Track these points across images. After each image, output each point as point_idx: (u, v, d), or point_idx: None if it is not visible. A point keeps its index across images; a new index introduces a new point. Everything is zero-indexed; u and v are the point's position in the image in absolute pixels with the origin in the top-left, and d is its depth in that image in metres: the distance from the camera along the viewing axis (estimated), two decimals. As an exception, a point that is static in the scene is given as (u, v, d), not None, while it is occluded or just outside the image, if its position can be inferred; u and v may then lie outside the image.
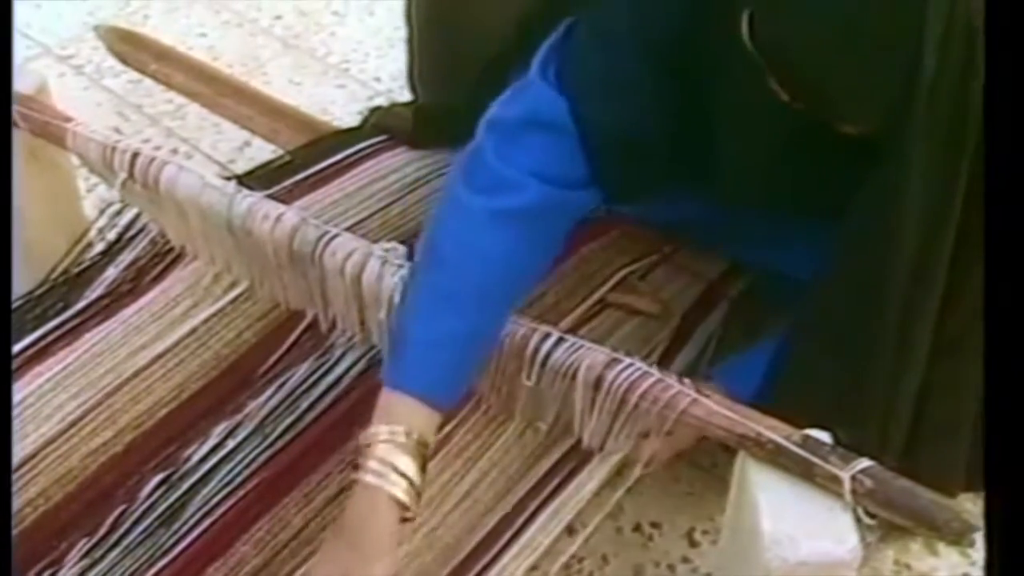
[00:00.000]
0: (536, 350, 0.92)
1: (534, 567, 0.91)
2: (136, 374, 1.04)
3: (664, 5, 0.91)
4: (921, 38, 0.75)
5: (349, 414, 1.01)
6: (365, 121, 1.38)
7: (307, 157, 1.29)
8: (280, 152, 1.36)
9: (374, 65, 1.82)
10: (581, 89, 0.93)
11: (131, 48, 1.57)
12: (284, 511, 0.94)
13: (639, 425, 0.91)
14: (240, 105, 1.47)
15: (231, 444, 0.99)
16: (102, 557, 0.90)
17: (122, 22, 1.80)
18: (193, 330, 1.08)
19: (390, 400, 0.87)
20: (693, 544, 1.08)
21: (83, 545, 0.91)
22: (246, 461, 0.97)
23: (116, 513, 0.93)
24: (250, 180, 1.19)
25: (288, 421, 1.01)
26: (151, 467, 0.97)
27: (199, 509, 0.94)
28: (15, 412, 0.99)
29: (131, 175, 1.09)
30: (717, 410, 0.85)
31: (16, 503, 0.92)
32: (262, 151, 1.50)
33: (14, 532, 0.90)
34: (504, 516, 0.93)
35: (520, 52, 1.01)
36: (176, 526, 0.92)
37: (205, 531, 0.92)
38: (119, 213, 1.17)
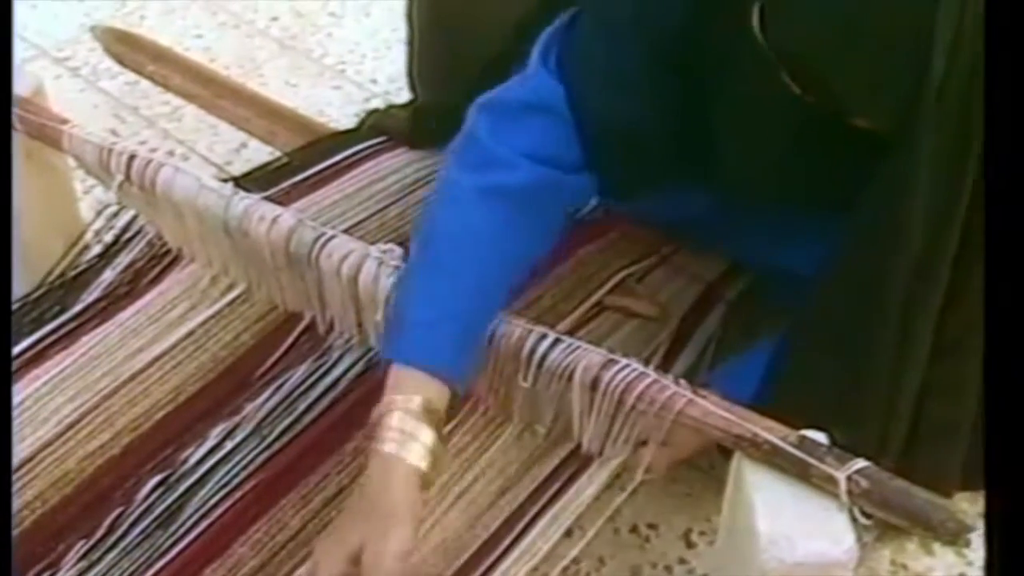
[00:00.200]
0: (533, 351, 0.92)
1: (533, 569, 0.92)
2: (133, 377, 1.04)
3: None
4: (932, 35, 0.75)
5: (347, 416, 1.01)
6: (362, 123, 1.38)
7: (304, 159, 1.29)
8: (277, 154, 1.36)
9: (371, 67, 1.82)
10: (581, 77, 0.93)
11: (128, 49, 1.57)
12: (282, 512, 0.94)
13: (637, 427, 0.91)
14: (237, 106, 1.47)
15: (229, 446, 0.99)
16: (99, 559, 0.90)
17: (118, 23, 1.79)
18: (190, 332, 1.08)
19: (399, 375, 0.87)
20: (690, 545, 1.08)
21: (80, 547, 0.91)
22: (244, 463, 0.97)
23: (113, 515, 0.93)
24: (247, 182, 1.19)
25: (286, 423, 1.01)
26: (148, 469, 0.97)
27: (196, 511, 0.94)
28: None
29: (128, 177, 1.09)
30: (713, 411, 0.85)
31: (13, 506, 0.92)
32: (259, 153, 1.50)
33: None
34: (504, 520, 0.93)
35: (520, 53, 1.01)
36: (173, 528, 0.92)
37: (202, 533, 0.92)
38: (116, 215, 1.17)
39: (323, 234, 1.02)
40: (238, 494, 0.95)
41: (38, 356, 1.06)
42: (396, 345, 0.90)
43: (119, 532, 0.92)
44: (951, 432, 0.92)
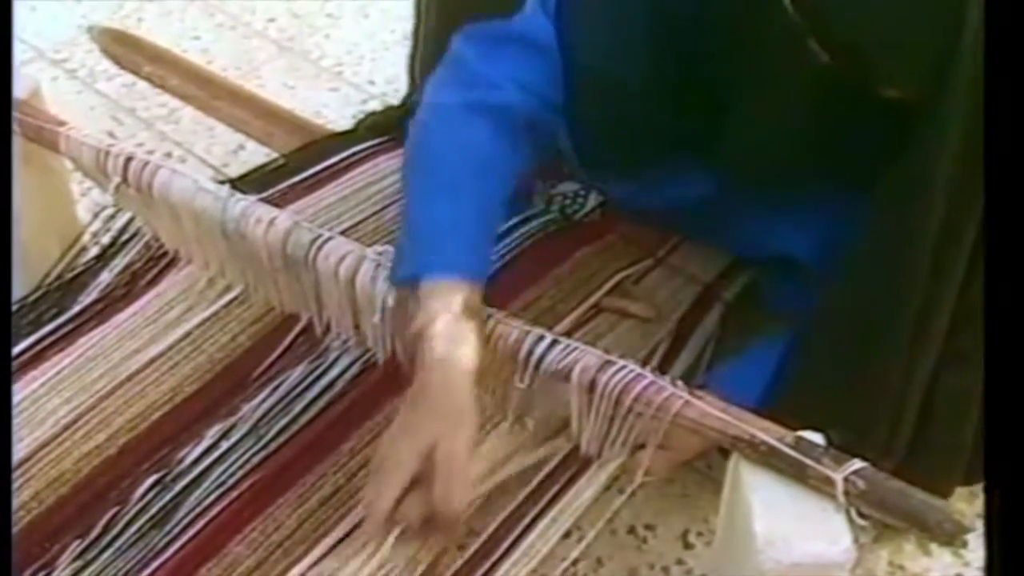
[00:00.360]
0: (530, 353, 0.92)
1: (532, 571, 0.92)
2: (130, 378, 1.04)
3: None
4: None
5: (344, 416, 1.01)
6: (358, 125, 1.38)
7: (301, 161, 1.29)
8: (274, 155, 1.36)
9: (368, 68, 1.83)
10: (576, 24, 0.94)
11: (125, 50, 1.57)
12: (278, 512, 0.94)
13: (635, 429, 0.91)
14: (234, 108, 1.47)
15: (225, 446, 0.98)
16: (94, 558, 0.90)
17: (116, 25, 1.79)
18: (187, 334, 1.08)
19: (427, 290, 0.88)
20: (687, 546, 1.08)
21: (75, 547, 0.91)
22: (240, 463, 0.97)
23: (109, 515, 0.93)
24: (243, 184, 1.19)
25: (282, 423, 1.00)
26: (144, 469, 0.97)
27: (192, 510, 0.93)
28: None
29: (125, 179, 1.09)
30: (710, 412, 0.85)
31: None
32: (256, 155, 1.50)
33: (7, 535, 0.90)
34: (503, 522, 0.93)
35: None
36: (169, 527, 0.92)
37: (198, 532, 0.92)
38: (113, 217, 1.17)
39: (320, 236, 1.02)
40: (234, 494, 0.95)
41: (35, 358, 1.06)
42: (417, 264, 0.90)
43: (114, 532, 0.92)
44: (960, 420, 0.92)
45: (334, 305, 1.04)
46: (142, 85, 1.62)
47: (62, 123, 1.14)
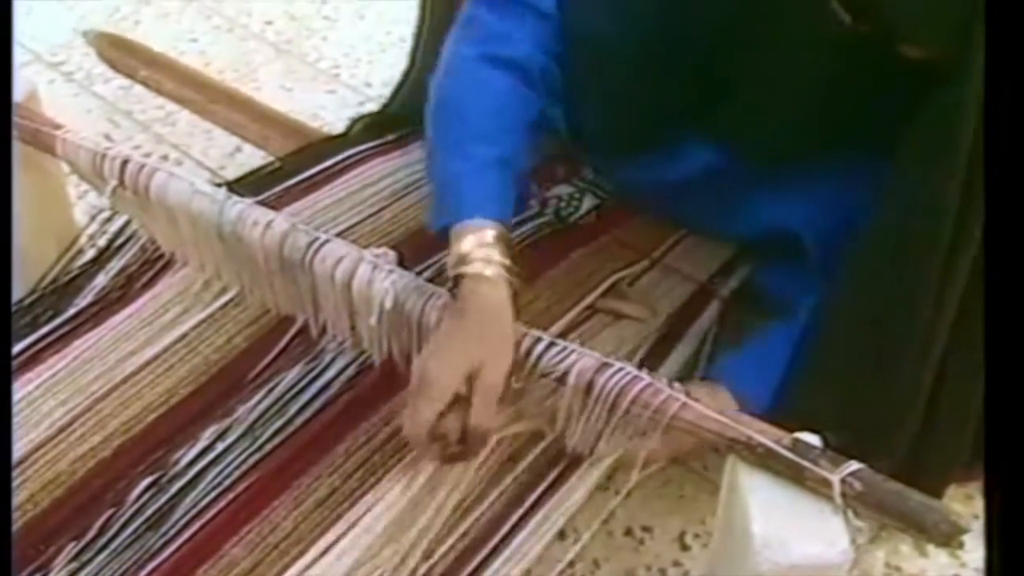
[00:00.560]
0: (527, 354, 0.92)
1: (526, 573, 0.91)
2: (125, 380, 1.04)
3: None
4: None
5: (339, 418, 1.01)
6: (350, 127, 1.38)
7: (297, 163, 1.29)
8: (271, 158, 1.36)
9: (365, 70, 1.82)
10: None
11: (121, 54, 1.57)
12: (274, 513, 0.94)
13: (630, 430, 0.91)
14: (230, 112, 1.47)
15: (220, 447, 0.99)
16: (90, 560, 0.90)
17: (112, 28, 1.79)
18: (183, 336, 1.08)
19: (459, 231, 0.91)
20: (684, 548, 1.08)
21: (71, 549, 0.91)
22: (236, 464, 0.97)
23: (104, 517, 0.93)
24: (240, 186, 1.19)
25: (278, 424, 1.01)
26: (140, 471, 0.97)
27: (188, 512, 0.93)
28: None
29: (121, 182, 1.09)
30: (707, 414, 0.85)
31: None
32: (253, 157, 1.50)
33: (3, 536, 0.90)
34: (492, 519, 0.93)
35: None
36: (164, 528, 0.92)
37: (194, 534, 0.92)
38: (109, 220, 1.17)
39: (317, 238, 1.02)
40: (230, 495, 0.95)
41: (31, 360, 1.06)
42: (446, 213, 0.93)
43: (110, 533, 0.92)
44: (964, 414, 0.92)
45: (330, 307, 1.04)
46: (139, 88, 1.62)
47: (59, 126, 1.14)
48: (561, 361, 0.91)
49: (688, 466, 1.11)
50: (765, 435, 0.82)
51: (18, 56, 1.81)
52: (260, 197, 1.15)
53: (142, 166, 1.08)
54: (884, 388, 0.90)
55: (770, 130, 0.96)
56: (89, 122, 1.65)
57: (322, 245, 1.01)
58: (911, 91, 0.84)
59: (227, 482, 0.96)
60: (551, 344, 0.92)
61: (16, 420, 0.99)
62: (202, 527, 0.92)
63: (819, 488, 0.79)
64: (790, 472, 0.80)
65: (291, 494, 0.95)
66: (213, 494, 0.95)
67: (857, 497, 0.78)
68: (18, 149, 1.15)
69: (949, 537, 0.76)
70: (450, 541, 0.92)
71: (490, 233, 0.90)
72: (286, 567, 0.89)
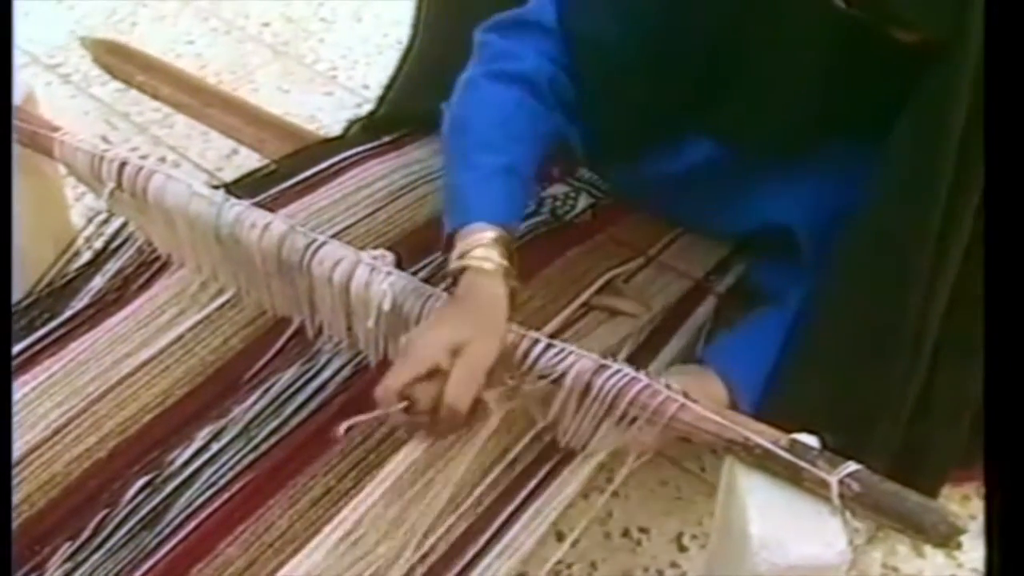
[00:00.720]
0: (525, 355, 0.92)
1: (522, 574, 0.91)
2: (121, 381, 1.04)
3: None
4: None
5: (335, 419, 1.00)
6: (347, 130, 1.38)
7: (293, 165, 1.29)
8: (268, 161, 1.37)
9: (362, 72, 1.83)
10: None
11: (117, 60, 1.57)
12: (269, 513, 0.93)
13: (624, 431, 0.91)
14: (226, 115, 1.48)
15: (215, 447, 0.98)
16: (85, 560, 0.90)
17: (110, 30, 1.80)
18: (179, 337, 1.08)
19: (461, 235, 0.93)
20: (682, 549, 1.08)
21: (66, 549, 0.91)
22: (231, 464, 0.97)
23: (99, 517, 0.93)
24: (237, 188, 1.19)
25: (273, 425, 1.00)
26: (135, 471, 0.97)
27: (183, 511, 0.93)
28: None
29: (119, 184, 1.09)
30: (705, 415, 0.85)
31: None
32: (250, 159, 1.50)
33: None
34: (483, 513, 0.93)
35: None
36: (159, 528, 0.92)
37: (189, 533, 0.92)
38: (106, 222, 1.17)
39: (315, 240, 1.02)
40: (225, 495, 0.95)
41: (27, 362, 1.05)
42: (453, 221, 0.95)
43: (104, 533, 0.92)
44: (958, 413, 0.92)
45: (327, 309, 1.04)
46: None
47: (56, 128, 1.14)
48: (559, 362, 0.91)
49: (685, 467, 1.11)
50: (762, 436, 0.81)
51: (16, 59, 1.81)
52: (257, 199, 1.15)
53: (140, 168, 1.08)
54: (875, 376, 0.91)
55: (770, 122, 0.97)
56: (86, 124, 1.66)
57: (320, 247, 1.01)
58: (906, 79, 0.84)
59: (222, 482, 0.96)
60: (549, 345, 0.92)
61: (13, 422, 0.99)
62: (197, 526, 0.92)
63: (817, 489, 0.79)
64: (788, 473, 0.80)
65: (286, 493, 0.95)
66: (208, 494, 0.95)
67: (855, 498, 0.78)
68: (16, 151, 1.14)
69: (946, 538, 0.76)
70: (443, 536, 0.92)
71: (490, 236, 0.92)
72: (281, 566, 0.89)
